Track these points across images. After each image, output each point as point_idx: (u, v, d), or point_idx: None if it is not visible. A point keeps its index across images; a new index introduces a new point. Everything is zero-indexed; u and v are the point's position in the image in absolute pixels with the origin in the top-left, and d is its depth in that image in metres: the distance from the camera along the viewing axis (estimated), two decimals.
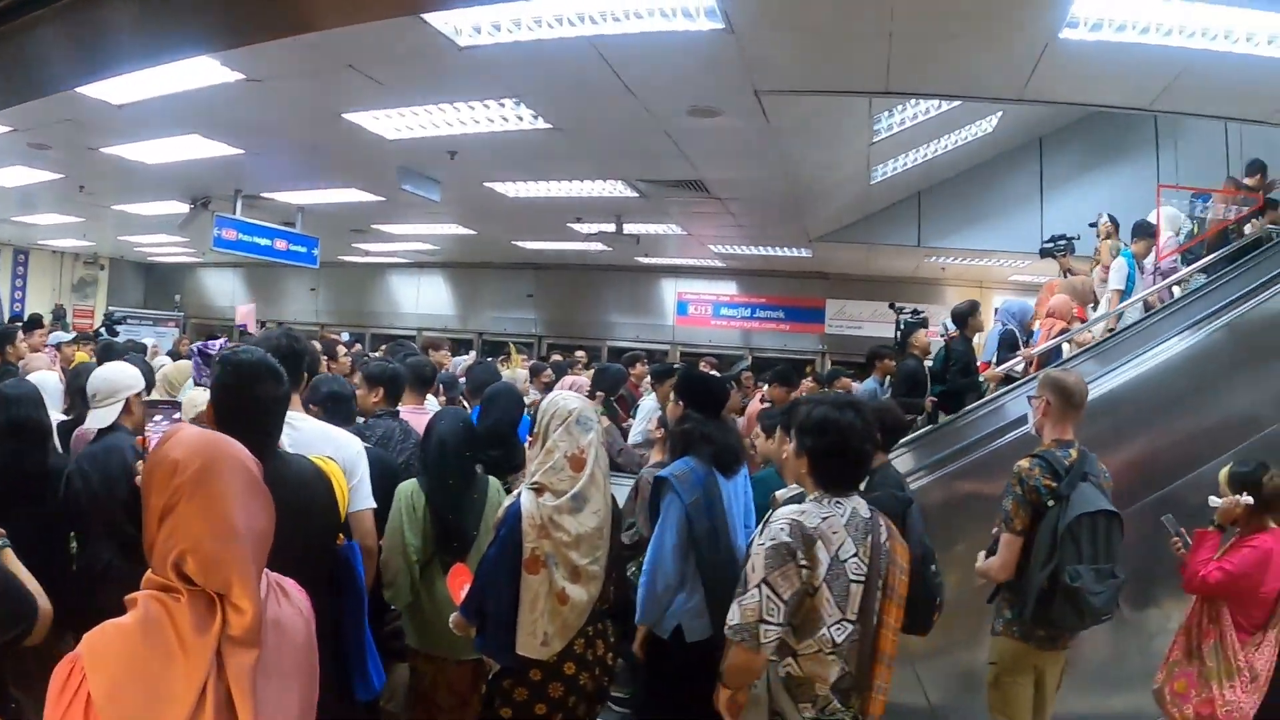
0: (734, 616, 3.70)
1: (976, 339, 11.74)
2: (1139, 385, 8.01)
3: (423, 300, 28.28)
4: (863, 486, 4.35)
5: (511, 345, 20.06)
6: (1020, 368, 10.13)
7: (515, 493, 4.62)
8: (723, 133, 11.12)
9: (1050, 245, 12.25)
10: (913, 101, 11.53)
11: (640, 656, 5.20)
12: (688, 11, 7.76)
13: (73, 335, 15.22)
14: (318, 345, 9.89)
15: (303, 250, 18.07)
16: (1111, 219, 11.88)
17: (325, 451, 4.47)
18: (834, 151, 12.82)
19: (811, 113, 10.55)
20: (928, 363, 11.36)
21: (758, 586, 3.65)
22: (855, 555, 3.77)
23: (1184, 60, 8.05)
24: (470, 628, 4.62)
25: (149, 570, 2.35)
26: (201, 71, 9.29)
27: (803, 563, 3.65)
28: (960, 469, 7.89)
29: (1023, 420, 7.25)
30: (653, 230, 18.47)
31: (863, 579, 3.78)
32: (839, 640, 3.72)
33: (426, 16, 7.70)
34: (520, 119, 10.97)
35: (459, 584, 4.78)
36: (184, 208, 17.65)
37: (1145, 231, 11.30)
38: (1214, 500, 5.92)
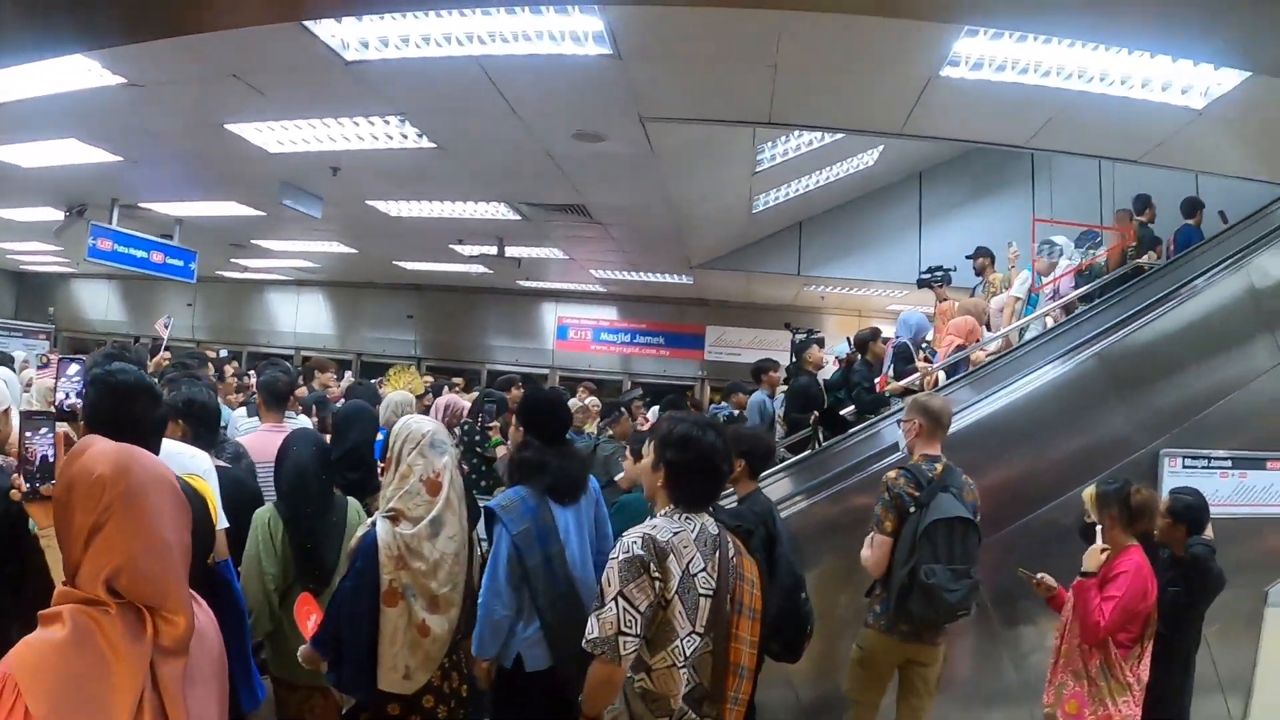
0: (592, 630, 3.69)
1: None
2: (1012, 412, 8.20)
3: (301, 319, 27.95)
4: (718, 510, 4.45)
5: (396, 368, 19.95)
6: (919, 383, 10.35)
7: (369, 522, 4.55)
8: (607, 158, 11.18)
9: (927, 276, 12.44)
10: (796, 133, 11.68)
11: (485, 686, 5.16)
12: (576, 36, 7.82)
13: None
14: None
15: (180, 264, 17.69)
16: (986, 251, 12.15)
17: (173, 469, 4.41)
18: (717, 180, 12.91)
19: (696, 141, 10.64)
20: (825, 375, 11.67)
21: (614, 599, 3.67)
22: (704, 570, 3.82)
23: (1060, 100, 8.24)
24: (322, 661, 4.49)
25: (61, 586, 2.35)
26: (81, 73, 9.09)
27: (655, 575, 3.69)
28: (838, 492, 7.97)
29: (895, 447, 7.81)
30: (535, 253, 18.50)
31: (711, 593, 3.83)
32: (689, 652, 3.76)
33: (314, 29, 7.64)
34: (405, 137, 10.93)
35: (305, 615, 4.67)
36: (59, 215, 17.25)
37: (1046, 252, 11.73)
38: (1091, 540, 6.06)
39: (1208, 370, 8.30)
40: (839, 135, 12.03)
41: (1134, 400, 8.24)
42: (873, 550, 6.17)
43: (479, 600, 4.87)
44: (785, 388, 12.31)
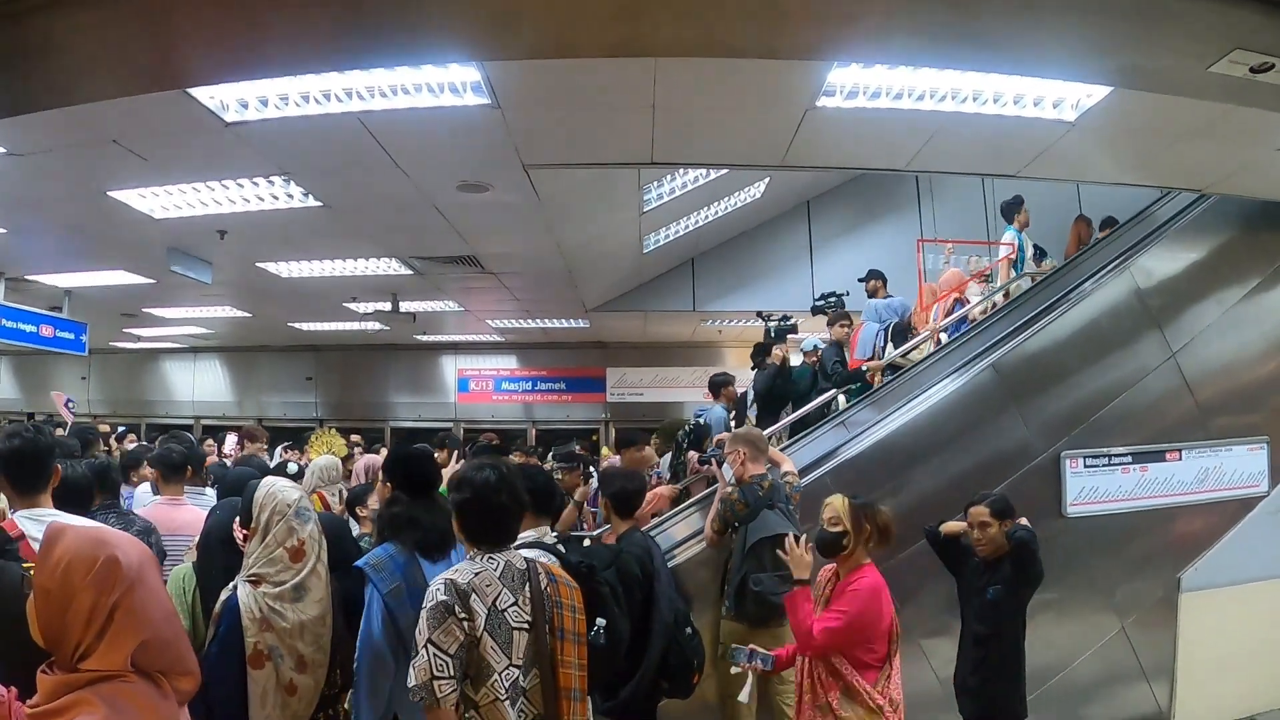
0: (410, 679, 3.83)
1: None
2: (913, 429, 8.42)
3: (199, 387, 27.61)
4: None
5: (318, 432, 19.83)
6: (929, 347, 10.81)
7: (230, 586, 4.53)
8: (493, 207, 11.22)
9: (821, 302, 12.60)
10: (681, 171, 11.77)
11: None
12: (454, 87, 7.86)
13: None
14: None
15: (71, 336, 17.36)
16: (879, 274, 12.35)
17: None
18: (605, 222, 12.97)
19: (581, 185, 10.72)
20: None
21: (424, 647, 3.81)
22: (514, 604, 3.98)
23: (936, 122, 8.36)
24: None
25: (49, 674, 2.42)
26: None
27: (461, 616, 3.83)
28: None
29: (827, 458, 8.50)
30: (430, 307, 18.49)
31: (526, 625, 3.99)
32: (508, 684, 3.89)
33: (192, 91, 7.60)
34: (290, 196, 10.88)
35: None
36: None
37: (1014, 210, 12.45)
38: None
39: (1101, 370, 8.58)
40: (723, 171, 12.14)
41: (1031, 406, 8.53)
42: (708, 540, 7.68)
43: (355, 662, 4.80)
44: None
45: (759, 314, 13.15)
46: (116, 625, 2.37)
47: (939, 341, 10.82)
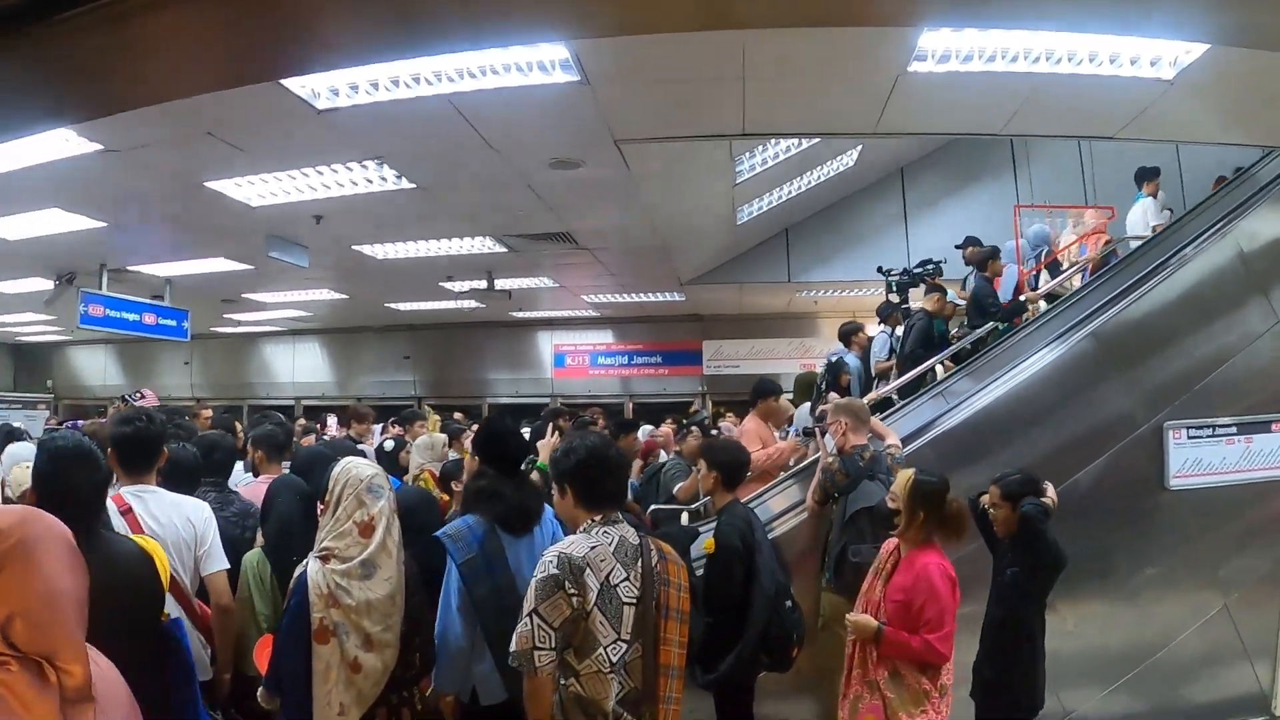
0: (512, 645, 3.92)
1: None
2: (1011, 400, 8.19)
3: (299, 368, 27.96)
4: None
5: (429, 407, 20.01)
6: (1078, 280, 10.73)
7: (303, 562, 4.55)
8: (586, 184, 11.19)
9: (920, 270, 12.45)
10: (772, 141, 11.68)
11: None
12: (543, 65, 7.83)
13: None
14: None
15: (173, 324, 17.75)
16: (976, 241, 12.17)
17: (175, 518, 5.04)
18: (698, 195, 12.91)
19: (673, 159, 10.64)
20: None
21: (529, 616, 3.88)
22: (626, 579, 4.03)
23: (1030, 84, 8.23)
24: (275, 699, 4.57)
25: None
26: (57, 143, 9.11)
27: (571, 591, 3.88)
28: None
29: (927, 428, 8.26)
30: (525, 284, 18.51)
31: (635, 601, 4.03)
32: (614, 659, 3.95)
33: (284, 81, 7.64)
34: (384, 180, 10.94)
35: (265, 656, 4.72)
36: (49, 284, 17.28)
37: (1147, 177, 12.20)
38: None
39: (1204, 338, 8.26)
40: (815, 140, 12.03)
41: (1133, 376, 8.21)
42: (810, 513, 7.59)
43: (435, 633, 4.90)
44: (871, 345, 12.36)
45: (880, 269, 13.04)
46: None
47: (1096, 267, 10.64)
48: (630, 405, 24.04)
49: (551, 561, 3.95)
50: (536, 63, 7.82)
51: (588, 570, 3.93)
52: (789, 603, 6.27)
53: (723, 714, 6.59)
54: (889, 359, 11.66)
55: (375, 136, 9.50)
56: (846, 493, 6.90)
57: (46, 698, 2.29)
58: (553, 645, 3.87)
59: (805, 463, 8.65)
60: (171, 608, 4.52)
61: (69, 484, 3.79)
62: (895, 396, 10.07)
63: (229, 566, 5.21)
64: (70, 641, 2.38)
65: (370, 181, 11.03)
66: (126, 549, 4.00)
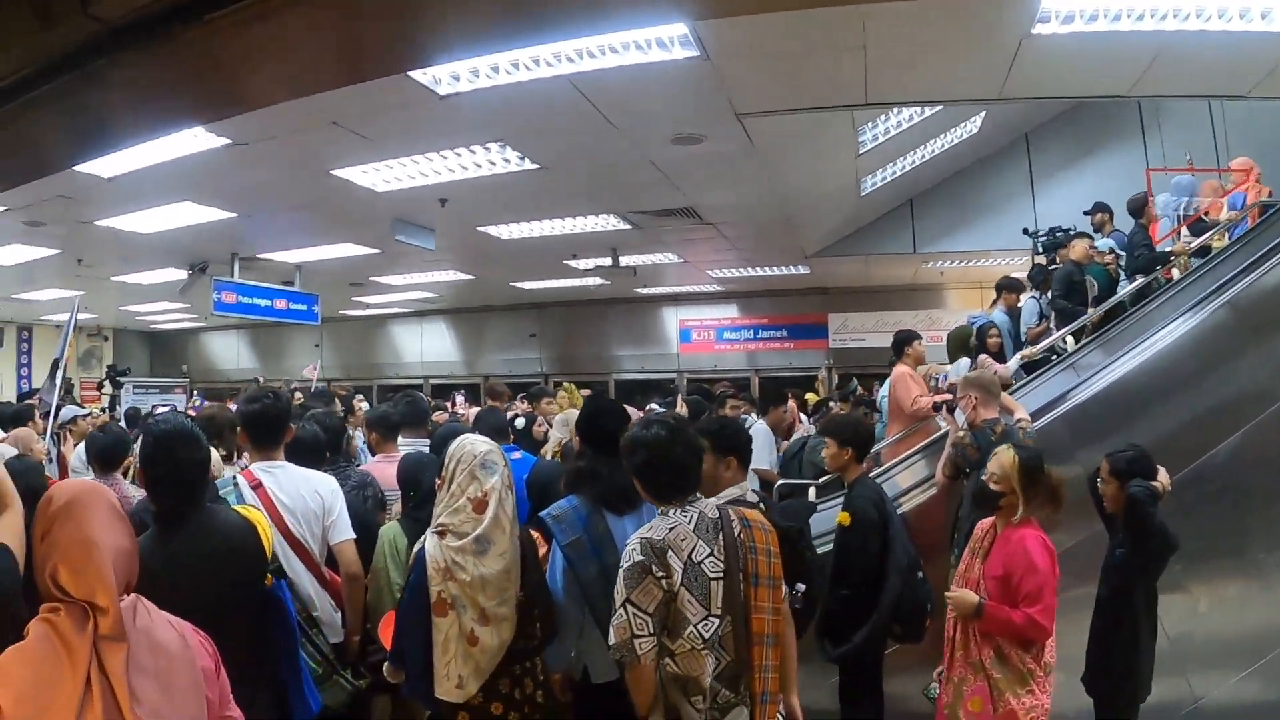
0: (611, 638, 3.98)
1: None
2: (1144, 372, 7.96)
3: (427, 348, 28.34)
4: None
5: (569, 383, 20.22)
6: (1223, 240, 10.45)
7: (423, 537, 4.67)
8: (709, 158, 11.14)
9: (1047, 239, 12.24)
10: (895, 110, 11.55)
11: (562, 699, 5.15)
12: (662, 42, 7.80)
13: (86, 411, 15.26)
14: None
15: (303, 308, 18.17)
16: (1105, 207, 11.94)
17: (304, 491, 5.39)
18: (821, 167, 12.81)
19: (795, 131, 10.54)
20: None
21: (623, 607, 3.93)
22: (710, 554, 4.01)
23: (1158, 43, 8.06)
24: (400, 673, 4.66)
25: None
26: (186, 139, 9.31)
27: (659, 574, 3.92)
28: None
29: (1057, 402, 8.08)
30: (649, 260, 18.50)
31: (722, 574, 4.01)
32: (707, 635, 3.94)
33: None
34: (507, 161, 11.00)
35: (389, 632, 4.86)
36: (182, 274, 17.73)
37: None
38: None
39: None
40: (937, 108, 11.88)
41: (1272, 348, 7.86)
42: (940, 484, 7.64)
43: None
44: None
45: (1025, 231, 12.84)
46: (41, 551, 2.89)
47: (1259, 215, 10.27)
48: (756, 380, 23.88)
49: (635, 549, 4.01)
50: (655, 39, 7.78)
51: (670, 552, 3.96)
52: (919, 574, 6.24)
53: (848, 689, 6.62)
54: (1040, 324, 11.36)
55: (497, 119, 9.53)
56: (978, 467, 6.65)
57: (82, 637, 2.70)
58: (651, 631, 3.92)
59: (933, 437, 8.58)
60: (301, 574, 5.24)
61: (171, 463, 4.08)
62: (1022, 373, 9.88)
63: (355, 536, 5.50)
64: (103, 584, 2.78)
65: (493, 164, 11.09)
66: (230, 520, 4.28)
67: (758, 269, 20.41)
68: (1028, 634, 5.35)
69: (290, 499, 5.37)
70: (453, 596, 4.38)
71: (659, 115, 9.76)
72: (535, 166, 11.20)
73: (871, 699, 6.57)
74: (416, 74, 8.00)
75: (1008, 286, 11.93)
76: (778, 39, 7.89)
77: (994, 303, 12.29)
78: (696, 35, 7.61)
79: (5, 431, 9.53)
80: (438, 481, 4.77)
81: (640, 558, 3.95)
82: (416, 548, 4.64)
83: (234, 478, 5.52)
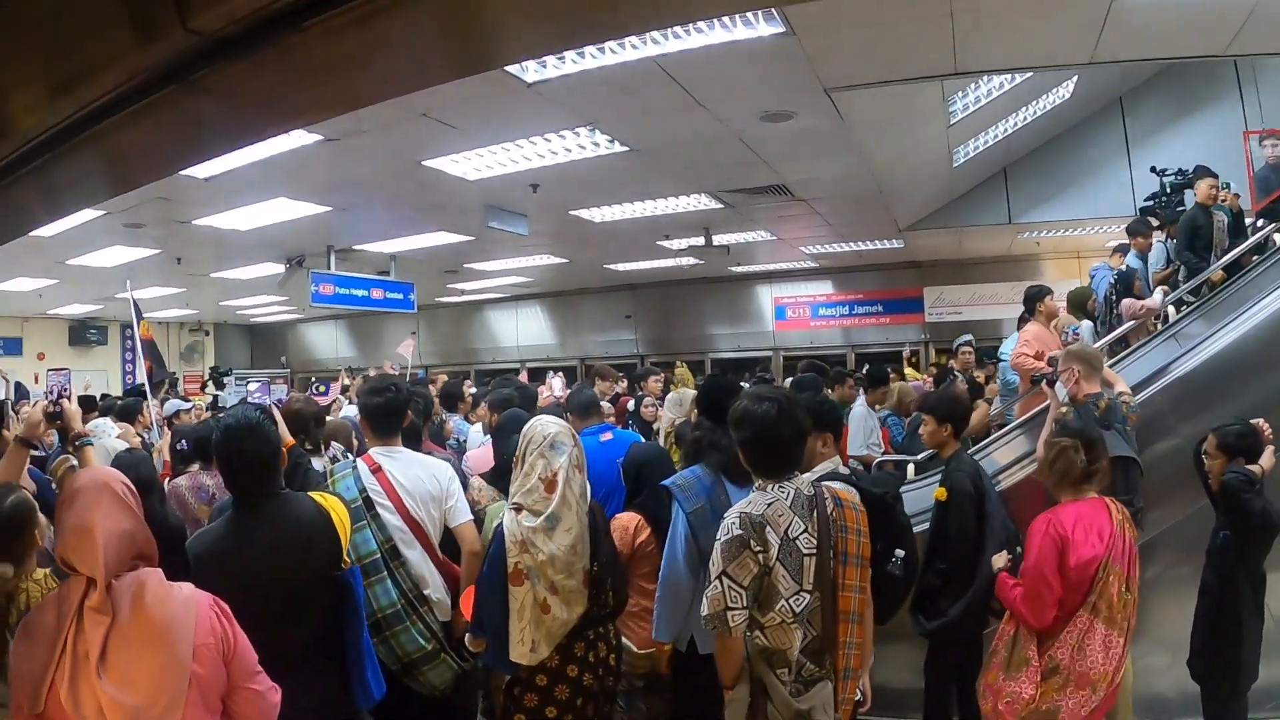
0: (704, 608, 4.07)
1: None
2: (1249, 342, 7.75)
3: (523, 332, 28.52)
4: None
5: (680, 363, 20.27)
6: None
7: (500, 513, 4.97)
8: (799, 134, 11.07)
9: (1149, 205, 12.04)
10: (985, 79, 11.43)
11: (665, 672, 5.33)
12: (747, 19, 7.75)
13: (189, 404, 15.58)
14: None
15: (399, 296, 18.43)
16: (1207, 170, 11.67)
17: (422, 475, 5.67)
18: (912, 139, 12.73)
19: (885, 103, 10.47)
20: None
21: (719, 578, 4.02)
22: (805, 531, 4.10)
23: None
24: (481, 641, 4.97)
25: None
26: (280, 137, 9.36)
27: (757, 549, 4.01)
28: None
29: (1158, 375, 7.88)
30: (742, 239, 18.45)
31: (814, 551, 4.11)
32: (798, 609, 4.05)
33: None
34: (597, 145, 11.03)
35: (469, 606, 5.18)
36: (280, 268, 18.12)
37: None
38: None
39: None
40: (1028, 75, 11.72)
41: None
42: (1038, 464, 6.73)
43: (659, 580, 5.14)
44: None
45: (1153, 169, 12.58)
46: (55, 534, 3.48)
47: None
48: (852, 355, 23.75)
49: (734, 523, 4.07)
50: (740, 17, 7.72)
51: (768, 527, 4.03)
52: (1018, 549, 6.22)
53: (934, 668, 6.70)
54: (1167, 268, 11.17)
55: (585, 103, 9.55)
56: None
57: (71, 605, 3.26)
58: (744, 604, 4.00)
59: (1034, 411, 8.49)
60: (417, 554, 5.52)
61: (236, 454, 4.33)
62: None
63: (472, 518, 5.75)
64: (95, 564, 3.26)
65: (583, 148, 11.12)
66: (303, 507, 4.46)
67: (851, 244, 20.28)
68: (1018, 609, 5.39)
69: (409, 482, 5.61)
70: (527, 568, 4.61)
71: (747, 93, 9.71)
72: (625, 149, 11.21)
73: (959, 679, 6.61)
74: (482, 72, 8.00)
75: (1137, 231, 11.65)
76: (863, 10, 7.81)
77: (1114, 253, 12.06)
78: (781, 10, 7.56)
79: (116, 424, 9.84)
80: (514, 460, 4.97)
81: (739, 532, 4.02)
82: (495, 522, 4.92)
83: (354, 461, 5.86)
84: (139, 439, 9.83)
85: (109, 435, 9.10)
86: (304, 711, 3.95)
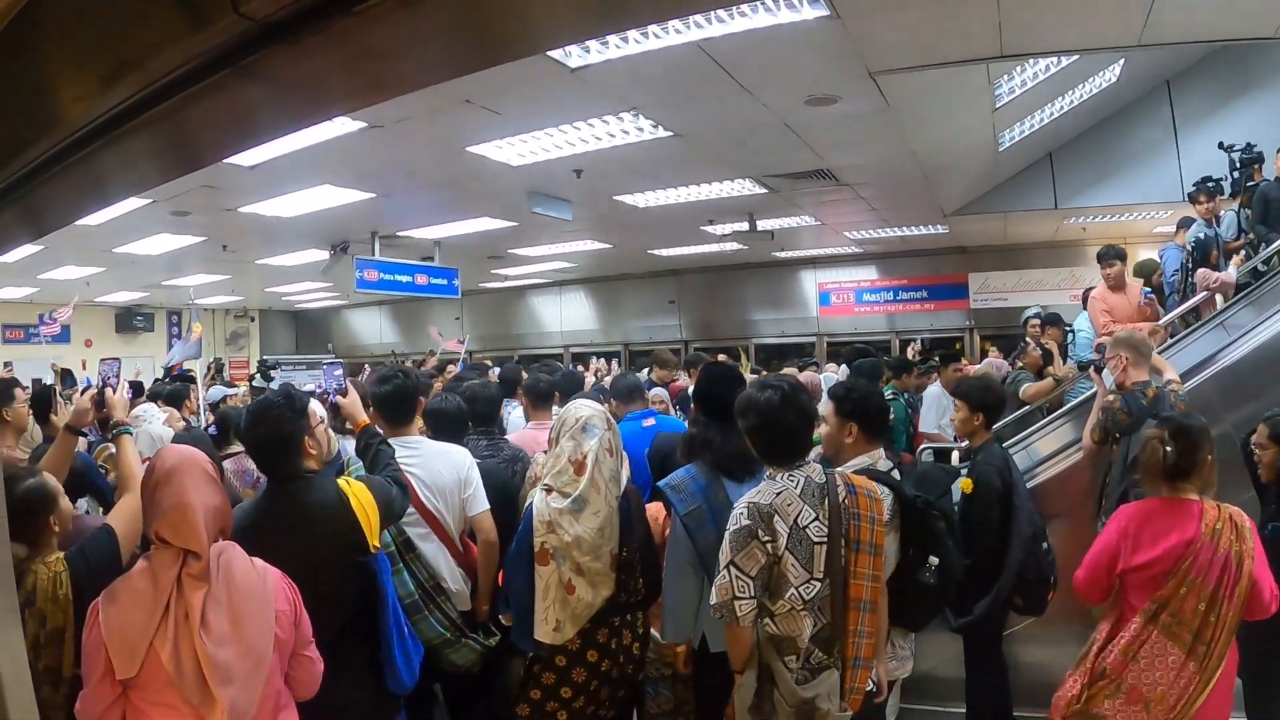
0: (712, 597, 4.16)
1: None
2: None
3: (566, 317, 28.59)
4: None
5: (740, 350, 20.30)
6: None
7: (533, 491, 5.08)
8: (843, 119, 11.02)
9: (1244, 153, 11.90)
10: (1031, 62, 11.35)
11: (683, 669, 5.27)
12: (790, 3, 7.70)
13: (236, 390, 15.74)
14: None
15: (444, 282, 18.56)
16: (1253, 150, 11.54)
17: (440, 465, 5.72)
18: (958, 123, 12.66)
19: (930, 87, 10.40)
20: None
21: (726, 568, 4.09)
22: (815, 520, 4.14)
23: None
24: (510, 618, 5.12)
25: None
26: (324, 124, 9.41)
27: (765, 539, 4.05)
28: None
29: (1206, 363, 7.73)
30: (786, 224, 18.38)
31: (825, 539, 4.14)
32: (808, 597, 4.09)
33: None
34: (640, 130, 11.01)
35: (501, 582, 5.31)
36: (324, 254, 18.26)
37: None
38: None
39: None
40: (1074, 57, 11.63)
41: None
42: (1087, 452, 7.18)
43: (663, 583, 5.11)
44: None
45: (1220, 145, 12.44)
46: (148, 509, 3.72)
47: None
48: (896, 342, 23.57)
49: (742, 513, 4.13)
50: (783, 0, 7.70)
51: (776, 516, 4.08)
52: (1045, 545, 6.21)
53: (973, 658, 6.63)
54: (1239, 238, 11.08)
55: (628, 88, 9.54)
56: (1129, 433, 6.53)
57: (169, 573, 3.52)
58: (752, 594, 4.07)
59: (1079, 400, 8.42)
60: (433, 546, 5.63)
61: (256, 436, 4.57)
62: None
63: (489, 507, 5.77)
64: (196, 537, 3.55)
65: (626, 133, 11.12)
66: (323, 492, 4.53)
67: (896, 229, 20.18)
68: (1079, 589, 5.27)
69: (424, 473, 5.64)
70: (553, 548, 4.72)
71: (791, 77, 9.66)
72: (669, 134, 11.19)
73: (993, 669, 6.61)
74: (533, 55, 8.00)
75: (1195, 198, 11.36)
76: None
77: (1178, 230, 11.91)
78: None
79: (162, 409, 9.95)
80: (549, 442, 5.09)
81: (747, 522, 4.09)
82: (527, 502, 5.00)
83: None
84: (183, 424, 9.92)
85: (155, 421, 9.17)
86: (337, 692, 4.20)
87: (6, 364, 21.26)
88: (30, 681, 2.99)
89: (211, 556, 3.58)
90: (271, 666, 3.67)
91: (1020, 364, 11.36)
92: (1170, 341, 8.89)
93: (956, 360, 11.85)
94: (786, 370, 12.87)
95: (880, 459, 5.25)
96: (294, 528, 4.37)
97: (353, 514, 4.46)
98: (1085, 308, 11.42)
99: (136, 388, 11.24)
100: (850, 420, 5.25)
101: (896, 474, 5.22)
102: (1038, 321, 12.67)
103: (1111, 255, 10.21)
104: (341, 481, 4.62)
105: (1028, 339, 11.96)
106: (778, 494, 4.14)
